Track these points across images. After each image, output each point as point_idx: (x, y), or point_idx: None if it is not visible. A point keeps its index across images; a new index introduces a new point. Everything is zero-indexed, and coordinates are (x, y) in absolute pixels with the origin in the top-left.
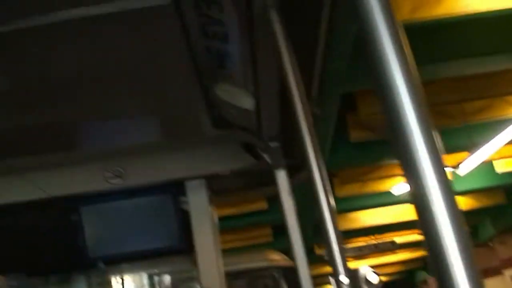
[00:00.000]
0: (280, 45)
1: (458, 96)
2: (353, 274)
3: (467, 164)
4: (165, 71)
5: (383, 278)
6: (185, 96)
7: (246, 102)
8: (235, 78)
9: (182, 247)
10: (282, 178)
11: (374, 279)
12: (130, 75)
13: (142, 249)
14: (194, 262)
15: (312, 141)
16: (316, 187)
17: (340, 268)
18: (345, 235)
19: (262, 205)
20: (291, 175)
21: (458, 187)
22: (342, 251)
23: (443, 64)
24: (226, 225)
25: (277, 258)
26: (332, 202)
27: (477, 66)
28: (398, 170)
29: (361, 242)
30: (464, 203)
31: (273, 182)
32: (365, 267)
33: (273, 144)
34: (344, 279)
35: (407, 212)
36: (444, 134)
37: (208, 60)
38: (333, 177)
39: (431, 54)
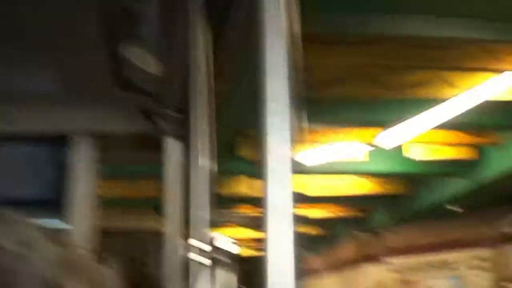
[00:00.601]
0: (193, 17)
1: (403, 62)
2: (213, 242)
3: (379, 141)
4: (70, 23)
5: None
6: (88, 51)
7: (154, 67)
8: (146, 42)
9: (57, 201)
10: (174, 148)
11: (233, 249)
12: (30, 25)
13: (14, 196)
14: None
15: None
16: (194, 152)
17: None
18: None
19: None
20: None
21: (363, 167)
22: (214, 218)
23: (390, 17)
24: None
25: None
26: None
27: (428, 27)
28: None
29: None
30: (364, 186)
31: (164, 150)
32: (225, 237)
33: (173, 114)
34: (204, 246)
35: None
36: (373, 106)
37: (119, 18)
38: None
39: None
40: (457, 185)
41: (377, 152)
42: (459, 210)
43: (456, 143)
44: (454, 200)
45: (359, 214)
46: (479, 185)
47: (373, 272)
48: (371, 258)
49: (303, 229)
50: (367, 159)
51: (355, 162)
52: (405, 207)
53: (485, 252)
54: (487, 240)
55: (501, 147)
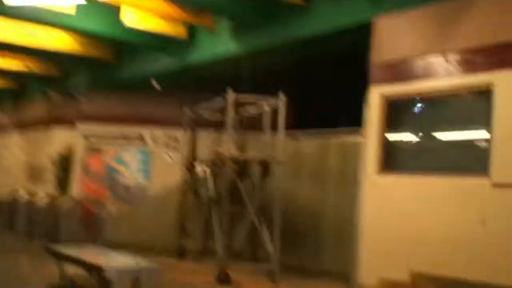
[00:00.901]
0: None
1: None
2: None
3: None
4: None
5: None
6: None
7: None
8: None
9: None
10: None
11: None
12: None
13: None
14: None
15: None
16: None
17: None
18: None
19: None
20: None
21: (70, 21)
22: None
23: None
24: None
25: None
26: None
27: None
28: None
29: None
30: (67, 43)
31: None
32: None
33: None
34: None
35: None
36: None
37: None
38: None
39: None
40: (164, 62)
41: (89, 7)
42: (159, 87)
43: (172, 18)
44: (158, 76)
45: (56, 73)
46: (185, 66)
47: (62, 136)
48: (62, 121)
49: None
50: (74, 12)
51: (63, 13)
52: (106, 74)
53: (178, 133)
54: (182, 121)
55: (214, 31)
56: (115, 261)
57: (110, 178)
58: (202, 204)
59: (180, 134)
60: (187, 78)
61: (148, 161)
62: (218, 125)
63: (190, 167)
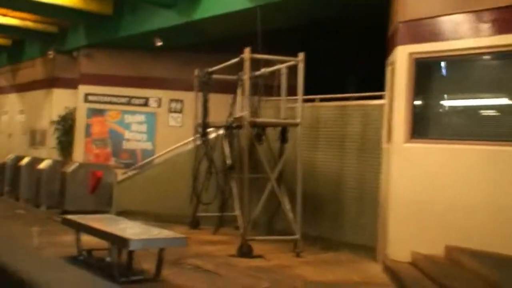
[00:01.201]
0: None
1: None
2: None
3: None
4: None
5: None
6: None
7: None
8: None
9: None
10: None
11: None
12: None
13: None
14: None
15: None
16: None
17: None
18: None
19: None
20: None
21: None
22: None
23: None
24: None
25: None
26: None
27: None
28: None
29: None
30: None
31: None
32: None
33: None
34: None
35: None
36: None
37: None
38: None
39: None
40: (168, 18)
41: None
42: (162, 43)
43: None
44: (162, 33)
45: (55, 30)
46: (192, 22)
47: (63, 98)
48: (62, 82)
49: None
50: None
51: None
52: (108, 31)
53: (184, 95)
54: (192, 83)
55: None
56: (138, 231)
57: (113, 142)
58: (216, 171)
59: (187, 97)
60: (194, 37)
61: (152, 124)
62: (231, 88)
63: (202, 132)
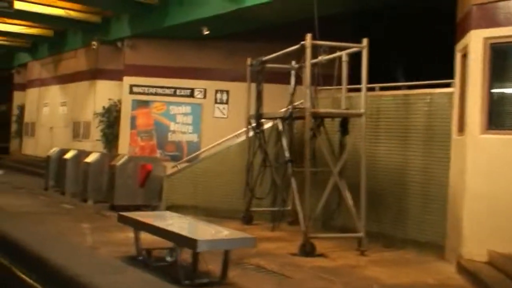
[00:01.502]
0: None
1: None
2: None
3: None
4: None
5: None
6: None
7: None
8: None
9: None
10: None
11: None
12: None
13: None
14: None
15: None
16: None
17: None
18: None
19: None
20: None
21: None
22: None
23: None
24: None
25: None
26: None
27: None
28: None
29: None
30: None
31: None
32: None
33: None
34: None
35: None
36: None
37: None
38: None
39: None
40: (215, 5)
41: None
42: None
43: None
44: (209, 22)
45: (98, 20)
46: (241, 9)
47: (107, 89)
48: (106, 73)
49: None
50: None
51: None
52: (154, 20)
53: (230, 85)
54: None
55: None
56: (204, 231)
57: (158, 134)
58: (271, 164)
59: (232, 87)
60: (242, 25)
61: (198, 116)
62: (280, 78)
63: (256, 124)
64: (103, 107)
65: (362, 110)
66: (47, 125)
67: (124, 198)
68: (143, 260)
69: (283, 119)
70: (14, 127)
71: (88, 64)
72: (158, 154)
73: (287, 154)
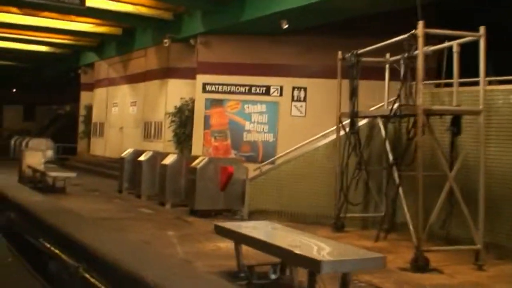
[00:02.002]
0: None
1: None
2: None
3: None
4: None
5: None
6: None
7: None
8: None
9: None
10: None
11: None
12: None
13: None
14: None
15: None
16: None
17: None
18: None
19: None
20: None
21: None
22: None
23: None
24: None
25: None
26: None
27: None
28: None
29: None
30: None
31: None
32: None
33: None
34: None
35: None
36: None
37: None
38: None
39: None
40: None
41: None
42: (286, 26)
43: None
44: (289, 15)
45: (169, 16)
46: (323, 1)
47: (179, 88)
48: (178, 71)
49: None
50: None
51: None
52: (229, 15)
53: (304, 81)
54: (309, 68)
55: None
56: (319, 248)
57: (233, 134)
58: (365, 167)
59: (310, 84)
60: (325, 17)
61: (274, 114)
62: (370, 73)
63: (351, 123)
64: (175, 107)
65: (480, 107)
66: (117, 125)
67: (205, 202)
68: (245, 277)
69: (386, 117)
70: (81, 127)
71: (159, 63)
72: (232, 154)
73: (390, 156)
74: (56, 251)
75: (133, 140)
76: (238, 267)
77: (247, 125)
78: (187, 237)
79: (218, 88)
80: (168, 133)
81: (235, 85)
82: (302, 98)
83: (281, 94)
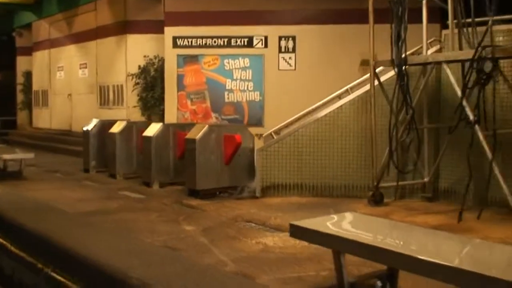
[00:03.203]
0: None
1: None
2: None
3: None
4: None
5: None
6: None
7: None
8: None
9: None
10: None
11: None
12: None
13: None
14: None
15: None
16: None
17: None
18: None
19: None
20: None
21: None
22: None
23: None
24: None
25: None
26: None
27: None
28: None
29: None
30: None
31: None
32: None
33: None
34: None
35: None
36: None
37: None
38: None
39: None
40: None
41: None
42: None
43: None
44: None
45: None
46: None
47: (142, 45)
48: (138, 25)
49: None
50: None
51: None
52: None
53: (292, 29)
54: (298, 13)
55: None
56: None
57: (212, 95)
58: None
59: (300, 32)
60: None
61: (259, 69)
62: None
63: (399, 72)
64: (139, 66)
65: None
66: (64, 92)
67: (207, 180)
68: None
69: (470, 62)
70: (20, 97)
71: (114, 16)
72: (213, 118)
73: (468, 111)
74: None
75: (86, 108)
76: (339, 284)
77: (229, 84)
78: (212, 232)
79: (191, 42)
80: (132, 97)
81: (212, 37)
82: (290, 49)
83: (266, 46)
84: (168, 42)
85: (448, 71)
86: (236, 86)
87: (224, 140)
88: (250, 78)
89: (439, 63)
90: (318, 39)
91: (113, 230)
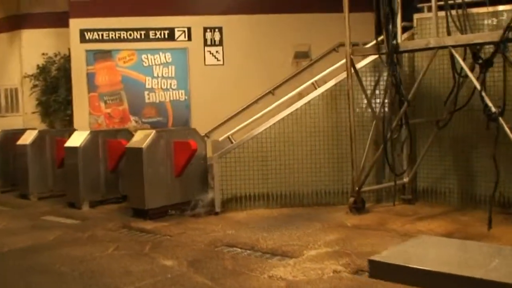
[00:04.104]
0: None
1: None
2: None
3: None
4: None
5: None
6: None
7: None
8: None
9: None
10: None
11: None
12: None
13: None
14: None
15: None
16: None
17: None
18: None
19: None
20: None
21: None
22: None
23: None
24: None
25: None
26: None
27: None
28: None
29: None
30: None
31: None
32: None
33: None
34: None
35: None
36: None
37: None
38: None
39: None
40: None
41: None
42: None
43: None
44: None
45: None
46: None
47: (36, 40)
48: (34, 18)
49: None
50: None
51: None
52: None
53: (219, 20)
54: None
55: None
56: None
57: (130, 95)
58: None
59: (227, 22)
60: None
61: (183, 65)
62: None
63: (390, 59)
64: (37, 66)
65: None
66: None
67: (158, 197)
68: None
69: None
70: None
71: (4, 10)
72: (132, 122)
73: (489, 103)
74: None
75: None
76: None
77: (149, 82)
78: (203, 266)
79: (102, 35)
80: (29, 102)
81: (127, 29)
82: (217, 42)
83: (189, 38)
84: (75, 36)
85: (458, 58)
86: (158, 85)
87: (175, 147)
88: (173, 75)
89: (444, 47)
90: (248, 31)
91: (78, 277)
